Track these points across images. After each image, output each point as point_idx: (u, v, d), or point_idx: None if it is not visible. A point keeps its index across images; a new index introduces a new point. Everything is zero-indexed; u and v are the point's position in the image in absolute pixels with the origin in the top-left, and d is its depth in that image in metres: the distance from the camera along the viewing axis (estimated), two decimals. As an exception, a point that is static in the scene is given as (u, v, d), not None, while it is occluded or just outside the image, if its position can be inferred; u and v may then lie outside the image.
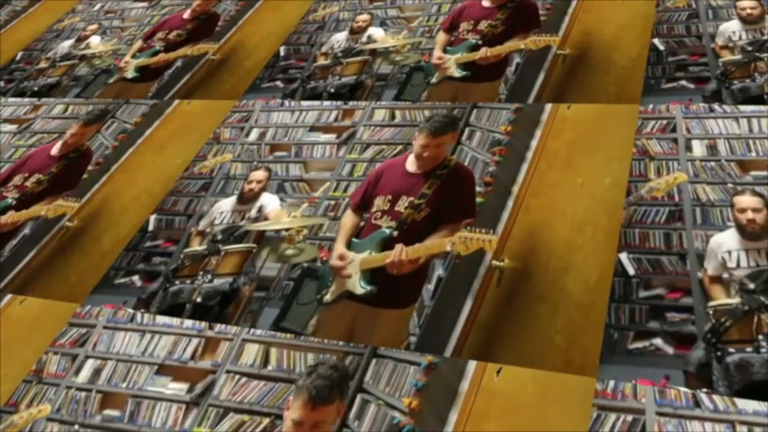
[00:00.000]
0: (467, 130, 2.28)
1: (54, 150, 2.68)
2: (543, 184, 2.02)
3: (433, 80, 2.55)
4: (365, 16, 2.96)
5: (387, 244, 1.92)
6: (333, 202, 2.19)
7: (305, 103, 2.59)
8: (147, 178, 2.47)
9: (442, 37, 2.68)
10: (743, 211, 1.78)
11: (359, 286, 1.91)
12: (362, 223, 2.03)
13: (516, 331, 1.72)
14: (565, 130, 2.18)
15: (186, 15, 3.24)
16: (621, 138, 2.08)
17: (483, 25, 2.60)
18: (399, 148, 2.32)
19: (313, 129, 2.47)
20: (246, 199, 2.27)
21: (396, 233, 1.94)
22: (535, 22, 2.61)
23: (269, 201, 2.26)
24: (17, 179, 2.60)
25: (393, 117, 2.45)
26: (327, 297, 1.94)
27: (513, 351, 1.68)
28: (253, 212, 2.23)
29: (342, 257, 1.96)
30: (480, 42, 2.55)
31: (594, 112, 2.21)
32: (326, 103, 2.57)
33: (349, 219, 2.07)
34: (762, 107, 2.04)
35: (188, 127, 2.65)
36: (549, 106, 2.27)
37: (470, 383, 1.63)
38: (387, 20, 2.93)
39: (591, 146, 2.09)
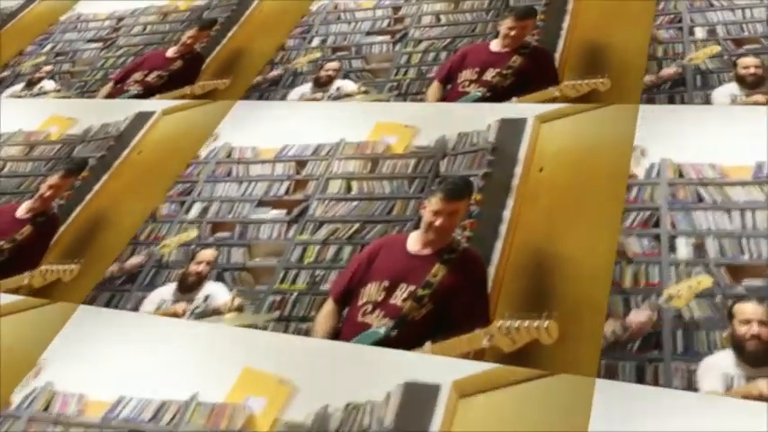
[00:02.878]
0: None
1: (20, 211, 2.36)
2: (524, 263, 1.77)
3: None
4: (335, 64, 2.69)
5: None
6: (279, 297, 1.93)
7: (253, 173, 2.34)
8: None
9: (436, 90, 2.35)
10: (747, 322, 1.47)
11: None
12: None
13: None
14: (540, 195, 1.93)
15: (170, 54, 2.93)
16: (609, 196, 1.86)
17: (490, 74, 2.28)
18: (356, 226, 2.07)
19: (261, 203, 2.22)
20: (189, 286, 2.02)
21: (394, 333, 1.65)
22: (552, 78, 2.26)
23: (216, 290, 2.00)
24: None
25: (349, 189, 2.21)
26: None
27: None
28: (199, 303, 1.98)
29: None
30: (489, 95, 2.24)
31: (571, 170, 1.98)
32: (278, 171, 2.32)
33: (329, 317, 1.77)
34: (758, 197, 1.78)
35: (137, 188, 2.41)
36: (518, 171, 2.02)
37: None
38: (350, 72, 2.66)
39: (572, 213, 1.85)
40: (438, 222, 1.82)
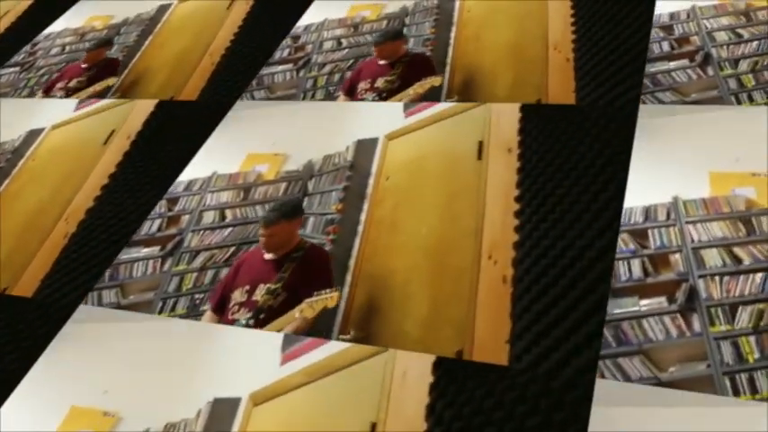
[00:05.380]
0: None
1: None
2: (375, 251, 2.08)
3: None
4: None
5: None
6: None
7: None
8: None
9: (342, 100, 2.68)
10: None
11: None
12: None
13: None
14: (386, 198, 2.25)
15: (84, 65, 3.30)
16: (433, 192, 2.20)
17: (380, 82, 2.67)
18: (232, 249, 2.19)
19: (132, 244, 2.32)
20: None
21: (252, 322, 1.93)
22: (430, 71, 2.67)
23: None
24: None
25: (223, 218, 2.32)
26: None
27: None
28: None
29: None
30: (380, 97, 2.63)
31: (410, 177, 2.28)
32: (154, 210, 2.43)
33: (207, 321, 1.99)
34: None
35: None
36: (371, 181, 2.29)
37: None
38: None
39: (409, 208, 2.18)
40: (264, 242, 2.18)
